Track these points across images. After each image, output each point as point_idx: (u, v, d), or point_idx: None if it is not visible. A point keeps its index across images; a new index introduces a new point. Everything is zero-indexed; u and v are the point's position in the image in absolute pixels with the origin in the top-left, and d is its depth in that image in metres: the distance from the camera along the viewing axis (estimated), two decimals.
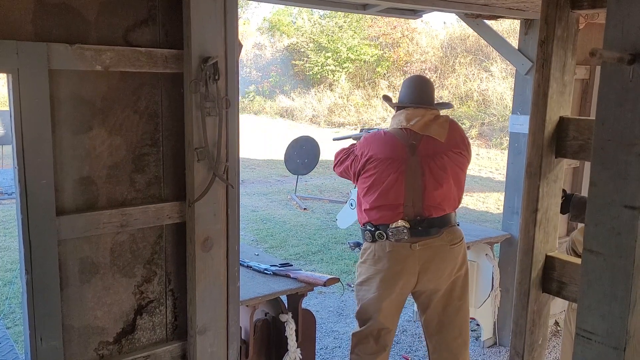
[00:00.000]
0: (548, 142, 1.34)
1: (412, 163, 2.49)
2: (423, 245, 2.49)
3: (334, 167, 2.82)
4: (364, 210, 2.59)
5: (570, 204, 2.40)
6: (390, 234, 2.49)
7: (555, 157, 1.37)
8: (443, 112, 2.71)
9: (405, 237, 2.48)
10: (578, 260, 1.27)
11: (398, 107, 2.70)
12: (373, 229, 2.54)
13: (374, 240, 2.55)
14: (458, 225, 2.65)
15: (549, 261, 1.40)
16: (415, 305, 2.82)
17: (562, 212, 2.48)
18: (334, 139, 3.46)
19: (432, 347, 2.68)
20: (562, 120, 1.35)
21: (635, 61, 1.02)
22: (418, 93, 2.64)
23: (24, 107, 1.61)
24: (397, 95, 2.79)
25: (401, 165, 2.49)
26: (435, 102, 2.71)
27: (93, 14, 1.73)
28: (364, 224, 2.60)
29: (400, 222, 2.48)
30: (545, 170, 1.35)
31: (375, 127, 2.93)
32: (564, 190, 2.51)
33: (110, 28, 1.76)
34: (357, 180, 2.64)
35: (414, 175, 2.48)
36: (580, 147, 1.31)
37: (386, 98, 2.84)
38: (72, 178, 1.76)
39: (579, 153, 1.32)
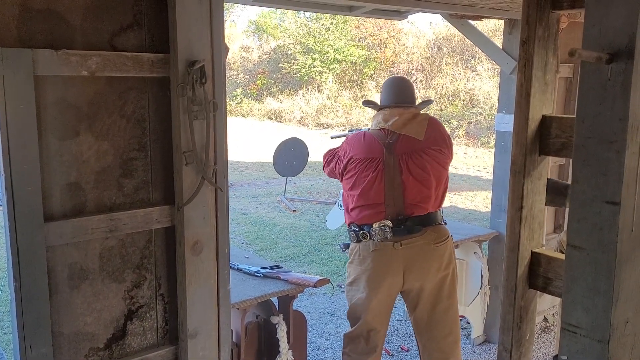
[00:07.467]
0: (531, 141, 1.37)
1: (390, 162, 2.50)
2: (406, 245, 2.49)
3: (323, 168, 2.85)
4: (348, 210, 2.61)
5: None
6: (373, 233, 2.50)
7: (539, 155, 1.39)
8: (424, 111, 2.72)
9: (388, 236, 2.48)
10: (563, 256, 1.29)
11: (379, 109, 2.70)
12: (357, 229, 2.56)
13: (358, 241, 2.56)
14: (445, 223, 2.66)
15: (535, 257, 1.42)
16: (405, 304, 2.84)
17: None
18: (331, 137, 3.50)
19: (422, 346, 2.68)
20: (545, 119, 1.37)
21: (614, 60, 1.05)
22: (397, 93, 2.66)
23: (9, 114, 1.60)
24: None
25: (379, 164, 2.50)
26: (417, 102, 2.73)
27: (78, 19, 1.72)
28: (349, 224, 2.61)
29: (383, 222, 2.49)
30: (529, 168, 1.38)
31: (363, 127, 2.95)
32: None
33: (95, 33, 1.76)
34: (342, 181, 2.66)
35: (392, 174, 2.50)
36: (563, 144, 1.34)
37: (367, 102, 2.82)
38: (59, 184, 1.76)
39: (562, 151, 1.34)
